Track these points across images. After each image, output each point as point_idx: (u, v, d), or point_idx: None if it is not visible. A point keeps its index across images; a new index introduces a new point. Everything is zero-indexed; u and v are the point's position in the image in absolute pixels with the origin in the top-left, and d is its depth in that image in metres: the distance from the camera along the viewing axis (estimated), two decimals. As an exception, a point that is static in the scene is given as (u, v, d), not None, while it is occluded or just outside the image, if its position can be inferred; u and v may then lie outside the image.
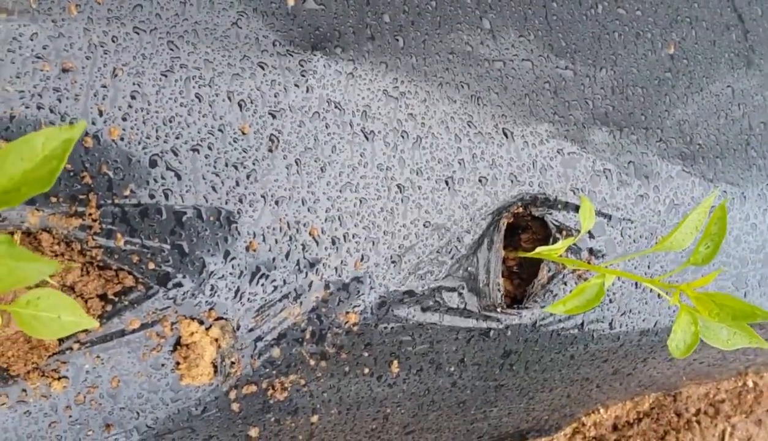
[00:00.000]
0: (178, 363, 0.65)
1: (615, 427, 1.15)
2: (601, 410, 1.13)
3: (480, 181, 0.75)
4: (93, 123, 0.59)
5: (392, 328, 0.75)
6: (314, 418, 0.76)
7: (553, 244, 0.77)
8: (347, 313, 0.72)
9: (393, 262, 0.73)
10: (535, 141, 0.77)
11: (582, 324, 0.84)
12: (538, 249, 0.72)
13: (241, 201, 0.65)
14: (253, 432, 0.73)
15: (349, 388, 0.76)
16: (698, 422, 1.26)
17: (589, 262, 0.80)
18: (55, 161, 0.41)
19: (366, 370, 0.76)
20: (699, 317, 0.62)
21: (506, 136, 0.76)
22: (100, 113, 0.60)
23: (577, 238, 0.75)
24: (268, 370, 0.70)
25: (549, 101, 0.78)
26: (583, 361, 0.88)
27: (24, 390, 0.61)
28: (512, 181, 0.77)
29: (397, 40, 0.71)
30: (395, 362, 0.77)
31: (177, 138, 0.62)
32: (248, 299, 0.67)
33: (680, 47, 0.87)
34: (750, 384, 1.28)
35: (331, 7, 0.68)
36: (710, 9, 0.89)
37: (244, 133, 0.65)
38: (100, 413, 0.64)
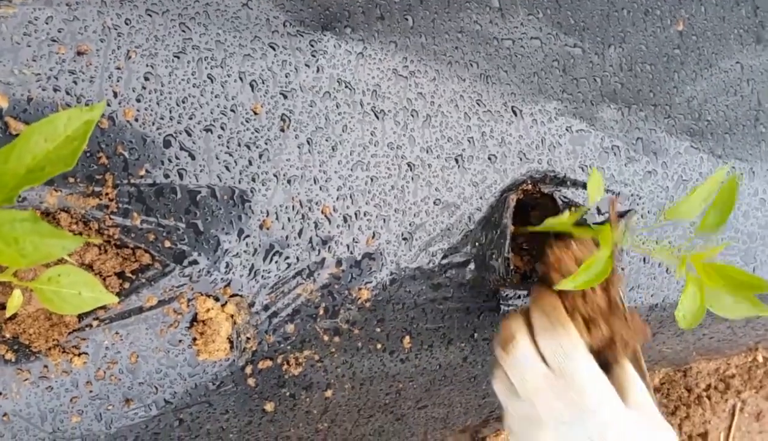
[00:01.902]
0: (194, 339, 0.67)
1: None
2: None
3: (489, 159, 0.76)
4: (108, 104, 0.60)
5: (404, 304, 0.76)
6: (328, 393, 0.78)
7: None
8: (359, 289, 0.73)
9: (404, 239, 0.74)
10: (543, 119, 0.78)
11: (591, 300, 0.85)
12: (546, 221, 0.73)
13: (254, 180, 0.66)
14: (269, 406, 0.75)
15: (362, 364, 0.77)
16: (708, 397, 1.27)
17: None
18: (76, 141, 0.42)
19: (378, 346, 0.77)
20: (705, 287, 0.63)
21: (515, 114, 0.77)
22: (115, 95, 0.61)
23: (584, 210, 0.76)
24: (282, 345, 0.72)
25: (558, 79, 0.79)
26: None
27: (46, 366, 0.63)
28: (521, 159, 0.78)
29: (407, 19, 0.71)
30: (407, 337, 0.78)
31: (190, 118, 0.63)
32: (262, 276, 0.68)
33: (689, 24, 0.86)
34: (760, 359, 1.29)
35: (341, -12, 0.68)
36: (719, -15, 0.89)
37: (256, 113, 0.65)
38: (119, 388, 0.66)
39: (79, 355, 0.64)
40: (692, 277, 0.64)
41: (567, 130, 0.79)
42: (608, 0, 0.81)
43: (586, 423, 0.62)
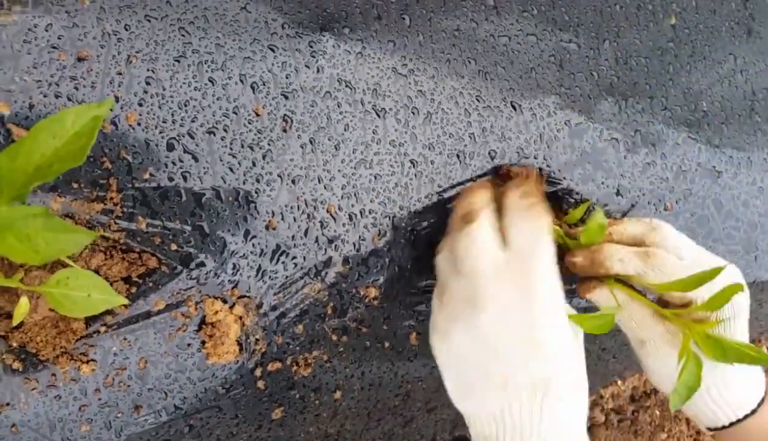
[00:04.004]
0: (203, 342, 0.66)
1: (633, 398, 1.16)
2: (619, 382, 1.14)
3: (489, 154, 0.76)
4: (110, 109, 0.60)
5: (410, 300, 0.76)
6: (337, 395, 0.77)
7: (565, 212, 0.78)
8: (367, 287, 0.73)
9: (410, 236, 0.74)
10: (543, 113, 0.78)
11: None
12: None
13: (258, 181, 0.66)
14: (279, 410, 0.74)
15: (370, 363, 0.77)
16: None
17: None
18: (84, 138, 0.42)
19: (386, 344, 0.77)
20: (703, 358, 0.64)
21: (515, 109, 0.77)
22: (117, 99, 0.61)
23: (585, 205, 0.76)
24: (291, 346, 0.71)
25: (555, 74, 0.79)
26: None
27: (53, 374, 0.62)
28: (518, 154, 0.78)
29: (404, 18, 0.72)
30: (413, 334, 0.78)
31: (193, 121, 0.63)
32: (270, 277, 0.68)
33: (681, 17, 0.87)
34: (764, 350, 1.29)
35: (338, -12, 0.69)
36: (709, -22, 0.90)
37: (258, 115, 0.66)
38: (128, 395, 0.65)
39: (87, 362, 0.63)
40: (693, 353, 0.64)
41: (566, 124, 0.80)
42: (601, -4, 0.82)
43: (528, 310, 0.60)
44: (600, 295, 0.69)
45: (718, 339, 0.64)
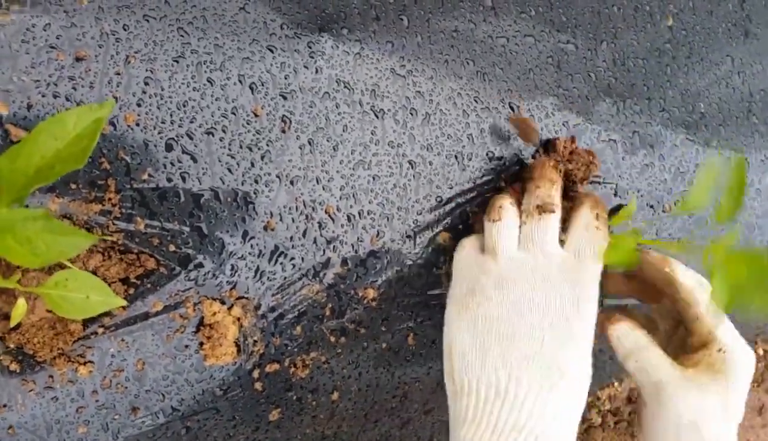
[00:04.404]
0: (201, 343, 0.66)
1: (629, 400, 1.16)
2: (615, 384, 1.14)
3: (488, 155, 0.76)
4: (109, 110, 0.60)
5: (409, 301, 0.76)
6: (335, 396, 0.77)
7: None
8: (365, 288, 0.73)
9: (408, 236, 0.74)
10: (541, 115, 0.78)
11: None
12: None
13: (257, 182, 0.66)
14: (276, 412, 0.74)
15: (368, 364, 0.77)
16: (710, 393, 1.27)
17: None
18: (86, 140, 0.42)
19: (384, 345, 0.77)
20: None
21: (513, 111, 0.77)
22: (115, 100, 0.60)
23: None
24: (289, 347, 0.71)
25: (553, 75, 0.79)
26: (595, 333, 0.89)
27: (51, 376, 0.62)
28: (516, 155, 0.78)
29: (402, 19, 0.72)
30: (411, 335, 0.78)
31: (191, 122, 0.63)
32: (268, 278, 0.68)
33: (678, 18, 0.87)
34: (761, 352, 1.29)
35: (336, -11, 0.69)
36: (706, -20, 0.90)
37: (256, 115, 0.65)
38: (126, 397, 0.65)
39: (85, 363, 0.63)
40: (716, 267, 0.62)
41: (564, 125, 0.80)
42: (598, -3, 0.82)
43: (574, 302, 0.63)
44: (620, 330, 0.69)
45: (740, 254, 0.61)
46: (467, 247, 0.71)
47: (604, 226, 0.68)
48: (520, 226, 0.68)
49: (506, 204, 0.69)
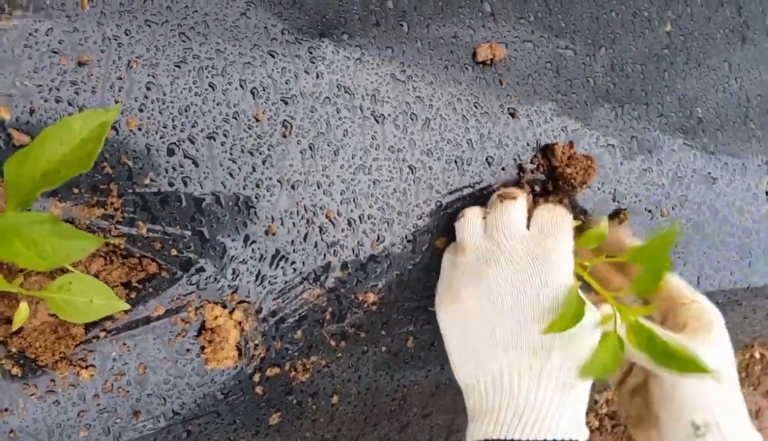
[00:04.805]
0: (203, 347, 0.66)
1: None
2: (612, 387, 1.14)
3: (487, 160, 0.76)
4: (111, 114, 0.60)
5: (409, 305, 0.76)
6: (334, 399, 0.77)
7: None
8: (366, 292, 0.73)
9: (408, 241, 0.74)
10: (540, 120, 0.79)
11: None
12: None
13: (258, 186, 0.66)
14: (276, 416, 0.74)
15: (367, 367, 0.77)
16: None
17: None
18: (91, 144, 0.42)
19: (383, 349, 0.77)
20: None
21: (512, 116, 0.77)
22: (116, 104, 0.61)
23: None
24: (290, 351, 0.71)
25: (551, 80, 0.80)
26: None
27: (52, 380, 0.62)
28: (515, 161, 0.78)
29: (402, 25, 0.72)
30: (410, 339, 0.78)
31: (193, 126, 0.63)
32: (269, 282, 0.68)
33: (676, 24, 0.88)
34: (757, 355, 1.30)
35: (337, -5, 0.69)
36: (704, -14, 0.91)
37: (258, 120, 0.66)
38: (127, 400, 0.65)
39: (87, 367, 0.63)
40: (619, 336, 0.61)
41: (563, 130, 0.80)
42: (597, 3, 0.82)
43: (541, 273, 0.63)
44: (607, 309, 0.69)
45: (650, 332, 0.61)
46: (448, 250, 0.73)
47: (562, 207, 0.69)
48: (485, 217, 0.69)
49: (470, 207, 0.71)
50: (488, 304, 0.63)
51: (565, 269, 0.64)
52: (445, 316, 0.67)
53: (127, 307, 0.52)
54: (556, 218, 0.67)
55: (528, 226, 0.68)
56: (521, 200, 0.69)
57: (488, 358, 0.62)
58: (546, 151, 0.79)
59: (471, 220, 0.70)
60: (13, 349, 0.61)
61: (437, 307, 0.69)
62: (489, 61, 0.76)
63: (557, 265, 0.63)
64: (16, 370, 0.61)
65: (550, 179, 0.80)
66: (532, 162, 0.79)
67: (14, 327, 0.57)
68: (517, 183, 0.78)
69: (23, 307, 0.57)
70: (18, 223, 0.41)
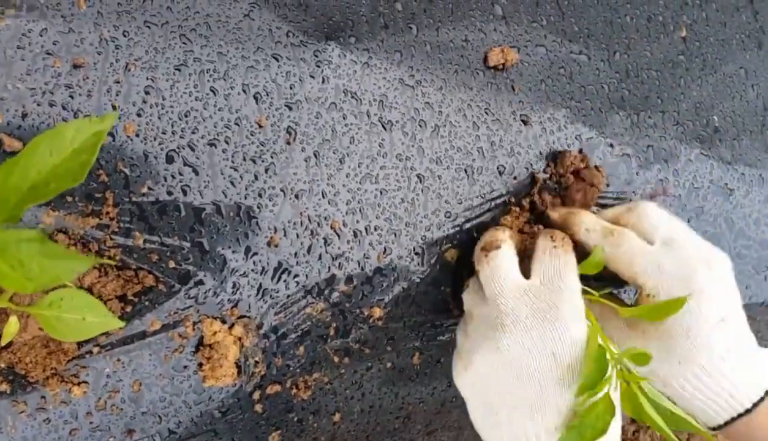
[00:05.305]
0: (201, 364, 0.64)
1: (633, 419, 1.15)
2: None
3: (498, 169, 0.74)
4: (107, 120, 0.58)
5: (416, 320, 0.74)
6: (336, 417, 0.75)
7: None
8: (371, 307, 0.70)
9: (416, 253, 0.71)
10: (553, 127, 0.76)
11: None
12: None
13: (260, 195, 0.64)
14: (276, 434, 0.72)
15: (371, 384, 0.75)
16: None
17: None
18: (85, 154, 0.39)
19: (389, 365, 0.75)
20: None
21: (524, 123, 0.75)
22: (114, 109, 0.58)
23: None
24: (292, 368, 0.69)
25: (565, 86, 0.77)
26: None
27: (43, 397, 0.60)
28: (527, 169, 0.76)
29: (411, 28, 0.69)
30: (417, 354, 0.76)
31: (193, 133, 0.61)
32: (271, 296, 0.66)
33: (692, 30, 0.86)
34: None
35: (344, -4, 0.67)
36: (720, -9, 0.89)
37: (261, 126, 0.63)
38: (121, 419, 0.63)
39: (79, 384, 0.60)
40: (611, 401, 0.58)
41: (577, 138, 0.78)
42: (611, 7, 0.80)
43: (552, 329, 0.59)
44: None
45: (647, 396, 0.60)
46: (462, 320, 0.70)
47: (564, 245, 0.65)
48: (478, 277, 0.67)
49: (473, 277, 0.69)
50: (503, 369, 0.60)
51: (575, 321, 0.60)
52: (461, 382, 0.64)
53: (121, 324, 0.50)
54: (558, 265, 0.63)
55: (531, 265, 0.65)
56: (505, 246, 0.65)
57: (512, 422, 0.59)
58: (556, 158, 0.76)
59: (473, 288, 0.67)
60: (2, 365, 0.58)
61: (453, 376, 0.66)
62: (501, 66, 0.73)
63: (567, 320, 0.60)
64: (4, 387, 0.59)
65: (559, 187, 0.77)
66: (545, 171, 0.76)
67: (3, 341, 0.55)
68: (528, 193, 0.76)
69: (13, 321, 0.54)
70: (3, 242, 0.38)
